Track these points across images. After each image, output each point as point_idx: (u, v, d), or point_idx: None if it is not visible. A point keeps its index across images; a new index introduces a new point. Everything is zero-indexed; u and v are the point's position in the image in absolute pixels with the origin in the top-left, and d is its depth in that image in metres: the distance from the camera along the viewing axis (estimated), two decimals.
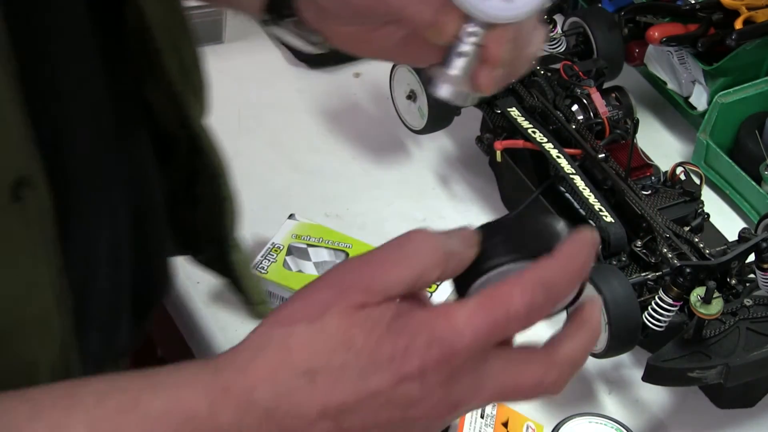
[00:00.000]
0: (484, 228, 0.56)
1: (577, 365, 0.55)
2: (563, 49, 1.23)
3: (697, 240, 1.03)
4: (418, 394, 0.52)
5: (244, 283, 0.85)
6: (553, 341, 0.55)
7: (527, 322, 0.53)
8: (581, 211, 1.09)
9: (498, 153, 1.15)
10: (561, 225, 0.55)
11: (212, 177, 0.78)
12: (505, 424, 0.95)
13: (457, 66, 0.61)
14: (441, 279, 0.55)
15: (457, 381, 0.53)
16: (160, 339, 1.22)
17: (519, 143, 1.13)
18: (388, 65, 1.21)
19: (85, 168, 0.66)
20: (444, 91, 0.62)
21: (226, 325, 1.03)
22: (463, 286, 0.56)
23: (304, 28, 0.71)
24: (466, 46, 0.61)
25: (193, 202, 0.80)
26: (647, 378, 0.95)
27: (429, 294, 1.03)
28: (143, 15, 0.66)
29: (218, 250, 0.83)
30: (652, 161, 1.13)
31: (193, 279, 1.04)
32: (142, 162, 0.75)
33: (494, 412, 0.95)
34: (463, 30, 0.61)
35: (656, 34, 1.22)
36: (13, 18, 0.54)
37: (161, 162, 0.77)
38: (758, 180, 1.16)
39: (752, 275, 1.00)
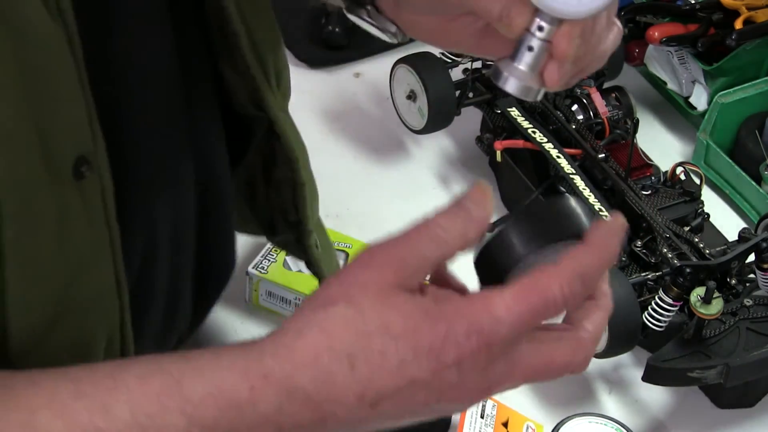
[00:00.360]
0: (503, 220, 0.57)
1: (597, 343, 0.57)
2: None
3: (697, 240, 1.03)
4: (456, 380, 0.53)
5: (321, 267, 0.85)
6: (577, 320, 0.57)
7: (563, 311, 0.55)
8: None
9: (498, 153, 1.15)
10: (575, 205, 0.57)
11: (289, 161, 0.78)
12: (505, 424, 0.95)
13: (525, 60, 0.61)
14: (464, 247, 0.56)
15: (493, 366, 0.54)
16: None
17: (519, 143, 1.13)
18: (388, 65, 1.22)
19: (149, 143, 0.67)
20: (511, 85, 0.62)
21: (233, 326, 1.03)
22: (492, 276, 0.57)
23: (381, 17, 0.71)
24: (535, 41, 0.60)
25: (270, 185, 0.80)
26: (647, 378, 0.95)
27: None
28: None
29: (295, 233, 0.83)
30: (652, 161, 1.13)
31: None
32: (211, 140, 0.76)
33: (494, 412, 0.95)
34: (532, 24, 0.60)
35: (656, 34, 1.22)
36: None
37: (240, 144, 0.78)
38: (758, 180, 1.16)
39: (752, 275, 1.00)
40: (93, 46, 0.57)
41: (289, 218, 0.82)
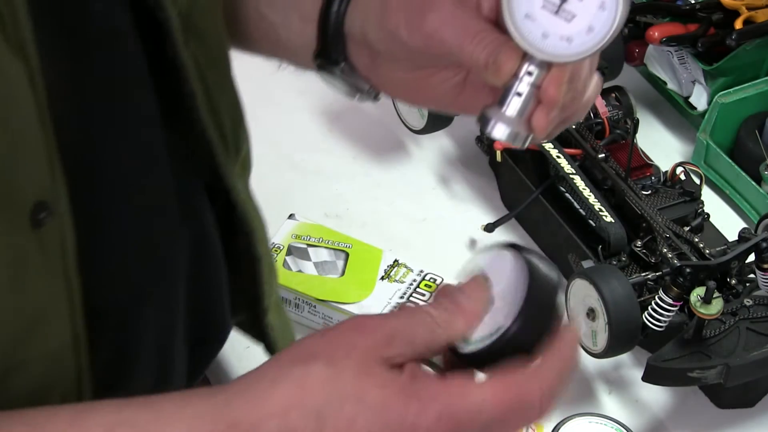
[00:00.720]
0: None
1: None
2: None
3: (697, 240, 1.03)
4: None
5: (278, 349, 0.82)
6: (533, 376, 0.56)
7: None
8: (581, 211, 1.09)
9: (498, 153, 1.15)
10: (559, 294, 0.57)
11: (245, 235, 0.75)
12: None
13: (514, 106, 0.60)
14: (452, 339, 0.56)
15: None
16: None
17: None
18: None
19: (127, 193, 0.63)
20: (499, 132, 0.61)
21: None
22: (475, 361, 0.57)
23: (354, 75, 0.69)
24: (523, 86, 0.60)
25: (228, 258, 0.77)
26: (647, 378, 0.95)
27: (430, 294, 1.03)
28: (177, 53, 0.64)
29: (252, 312, 0.80)
30: (652, 161, 1.13)
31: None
32: (195, 195, 0.72)
33: None
34: (521, 69, 0.59)
35: (656, 34, 1.22)
36: (46, 34, 0.53)
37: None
38: (758, 180, 1.16)
39: (752, 275, 1.00)
40: (60, 86, 0.54)
41: (246, 295, 0.79)
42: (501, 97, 0.61)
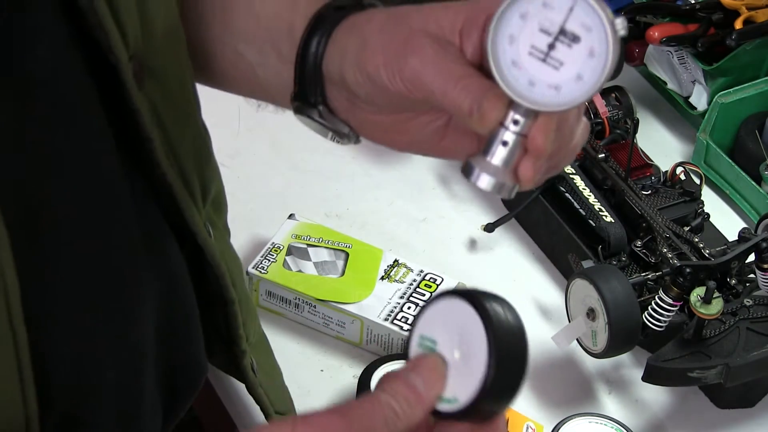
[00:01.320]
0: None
1: None
2: None
3: (697, 240, 1.03)
4: None
5: (259, 392, 0.81)
6: None
7: None
8: (581, 211, 1.09)
9: None
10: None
11: (215, 277, 0.73)
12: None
13: (499, 155, 0.58)
14: (411, 426, 0.55)
15: None
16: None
17: None
18: None
19: (72, 238, 0.60)
20: (484, 182, 0.58)
21: None
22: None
23: (333, 117, 0.66)
24: (509, 135, 0.57)
25: (201, 300, 0.75)
26: (647, 378, 0.95)
27: (430, 294, 1.03)
28: (129, 97, 0.61)
29: (229, 353, 0.79)
30: (652, 161, 1.13)
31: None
32: (160, 238, 0.69)
33: None
34: (506, 118, 0.57)
35: (656, 34, 1.22)
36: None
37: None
38: (758, 180, 1.16)
39: (752, 275, 1.00)
40: None
41: (222, 337, 0.77)
42: (486, 145, 0.58)
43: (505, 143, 0.58)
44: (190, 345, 0.75)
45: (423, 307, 0.56)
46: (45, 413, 0.58)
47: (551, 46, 0.56)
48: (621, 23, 0.55)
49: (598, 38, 0.55)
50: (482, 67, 0.59)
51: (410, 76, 0.59)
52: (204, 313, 0.75)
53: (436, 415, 0.55)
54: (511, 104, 0.57)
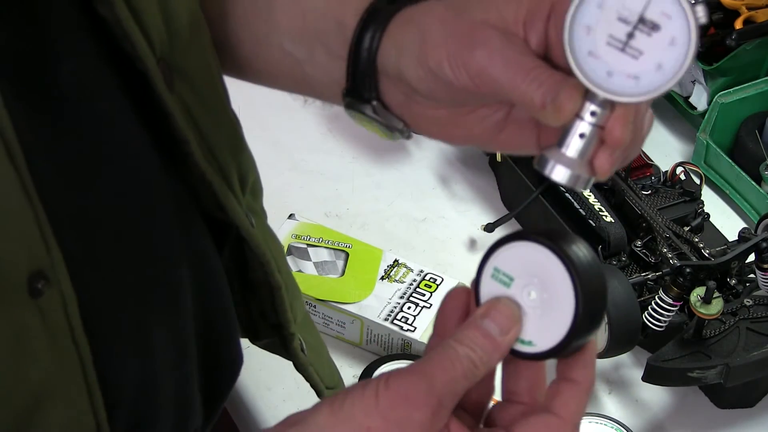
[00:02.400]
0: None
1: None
2: None
3: (697, 240, 1.03)
4: None
5: (309, 371, 0.81)
6: (555, 406, 0.56)
7: None
8: (581, 211, 1.09)
9: (498, 153, 1.15)
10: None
11: (261, 265, 0.73)
12: None
13: (575, 147, 0.56)
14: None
15: None
16: None
17: None
18: None
19: (127, 251, 0.61)
20: (559, 175, 0.57)
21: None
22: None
23: (387, 113, 0.64)
24: (586, 126, 0.56)
25: (247, 289, 0.76)
26: (647, 378, 0.95)
27: (430, 294, 1.03)
28: (162, 102, 0.62)
29: (278, 336, 0.79)
30: (652, 161, 1.14)
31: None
32: (201, 240, 0.70)
33: None
34: (583, 109, 0.56)
35: None
36: (19, 106, 0.52)
37: (219, 247, 0.73)
38: (758, 180, 1.16)
39: (752, 275, 1.00)
40: (40, 153, 0.53)
41: (270, 321, 0.77)
42: (561, 137, 0.57)
43: (582, 135, 0.56)
44: (228, 340, 0.76)
45: (497, 243, 0.57)
46: (112, 417, 0.59)
47: (630, 35, 0.54)
48: (702, 10, 0.53)
49: (679, 26, 0.53)
50: (546, 59, 0.58)
51: (477, 70, 0.58)
52: (251, 300, 0.76)
53: (518, 356, 0.56)
54: (587, 95, 0.56)
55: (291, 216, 1.09)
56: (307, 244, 1.07)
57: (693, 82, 1.26)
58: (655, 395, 1.02)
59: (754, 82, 1.23)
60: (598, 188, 1.09)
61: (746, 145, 1.20)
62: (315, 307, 1.03)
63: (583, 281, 0.54)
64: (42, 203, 0.53)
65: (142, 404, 0.63)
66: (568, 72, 0.55)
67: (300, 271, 1.05)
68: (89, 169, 0.58)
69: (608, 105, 0.56)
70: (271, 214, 1.12)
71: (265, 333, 0.79)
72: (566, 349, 0.55)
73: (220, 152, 0.68)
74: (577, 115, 0.56)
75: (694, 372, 0.93)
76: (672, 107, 1.30)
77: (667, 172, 1.12)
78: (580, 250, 0.55)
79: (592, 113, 0.56)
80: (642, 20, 0.54)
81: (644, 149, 1.14)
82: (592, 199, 1.07)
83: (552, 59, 0.57)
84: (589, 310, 0.54)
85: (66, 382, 0.55)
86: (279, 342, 0.79)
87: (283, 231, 1.08)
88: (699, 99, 1.25)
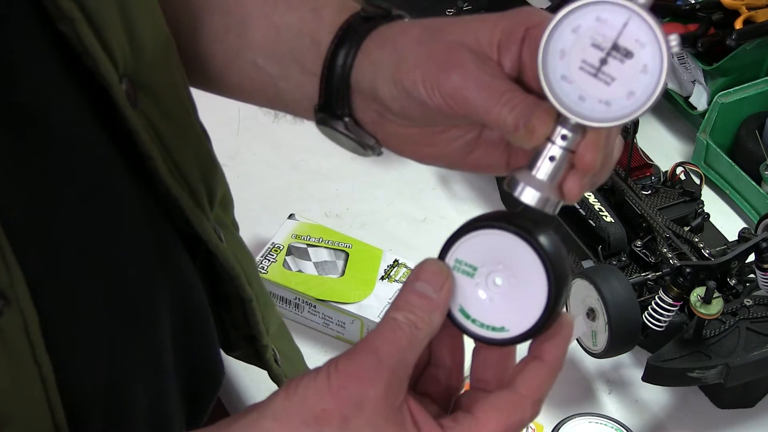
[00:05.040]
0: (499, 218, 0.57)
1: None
2: None
3: (697, 240, 1.03)
4: None
5: (285, 381, 0.82)
6: (516, 382, 0.56)
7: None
8: (581, 211, 1.09)
9: None
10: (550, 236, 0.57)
11: (230, 278, 0.73)
12: None
13: (545, 170, 0.57)
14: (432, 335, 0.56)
15: None
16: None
17: None
18: None
19: (86, 265, 0.60)
20: (528, 197, 0.57)
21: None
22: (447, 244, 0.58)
23: (360, 130, 0.65)
24: (557, 150, 0.56)
25: (219, 302, 0.75)
26: (647, 378, 0.95)
27: None
28: (125, 119, 0.61)
29: (251, 347, 0.79)
30: (652, 161, 1.14)
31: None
32: (174, 259, 0.70)
33: None
34: (554, 133, 0.56)
35: None
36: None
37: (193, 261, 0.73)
38: (758, 180, 1.17)
39: (752, 275, 1.00)
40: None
41: (243, 333, 0.78)
42: (531, 159, 0.57)
43: (552, 158, 0.57)
44: (207, 349, 0.76)
45: (455, 235, 0.58)
46: None
47: (603, 61, 0.55)
48: (675, 39, 0.54)
49: (651, 54, 0.54)
50: (520, 82, 0.58)
51: (450, 92, 0.58)
52: (223, 312, 0.76)
53: (494, 343, 0.57)
54: (559, 119, 0.56)
55: (291, 216, 1.09)
56: (307, 244, 1.07)
57: (693, 82, 1.26)
58: (655, 395, 1.02)
59: (754, 82, 1.23)
60: (599, 188, 1.09)
61: (746, 145, 1.20)
62: (315, 307, 1.04)
63: (552, 259, 0.55)
64: (2, 222, 0.52)
65: (113, 421, 0.63)
66: (540, 95, 0.55)
67: (300, 271, 1.05)
68: (53, 187, 0.57)
69: (579, 129, 0.56)
70: (271, 214, 1.13)
71: (238, 344, 0.79)
72: (543, 328, 0.56)
73: (187, 167, 0.67)
74: (549, 139, 0.56)
75: (694, 372, 0.93)
76: (672, 107, 1.30)
77: (667, 172, 1.12)
78: (539, 227, 0.56)
79: (563, 137, 0.56)
80: (615, 47, 0.54)
81: (644, 149, 1.14)
82: (592, 199, 1.07)
83: (525, 82, 0.58)
84: (560, 286, 0.55)
85: (26, 403, 0.55)
86: (252, 353, 0.79)
87: (283, 231, 1.08)
88: (699, 99, 1.25)
